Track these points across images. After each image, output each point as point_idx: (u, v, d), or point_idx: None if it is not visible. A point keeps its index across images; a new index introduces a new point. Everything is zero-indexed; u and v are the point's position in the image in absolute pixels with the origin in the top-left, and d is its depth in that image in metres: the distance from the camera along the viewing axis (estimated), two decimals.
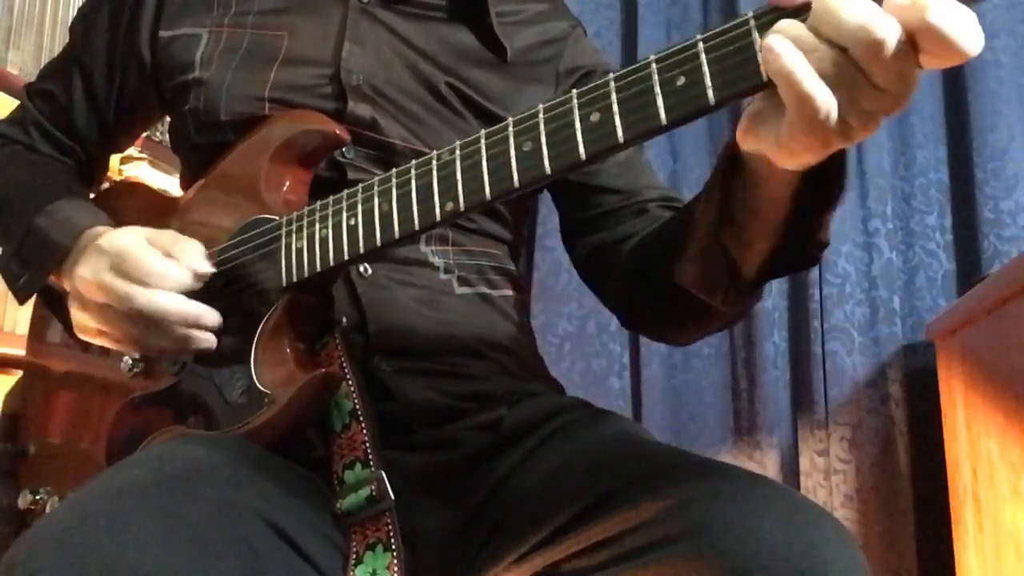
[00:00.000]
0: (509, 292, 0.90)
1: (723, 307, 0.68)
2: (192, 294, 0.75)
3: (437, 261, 0.83)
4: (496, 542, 0.72)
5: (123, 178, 1.06)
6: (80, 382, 0.88)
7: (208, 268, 0.76)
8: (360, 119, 0.82)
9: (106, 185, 1.06)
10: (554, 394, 0.88)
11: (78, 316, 0.79)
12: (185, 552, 0.53)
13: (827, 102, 0.47)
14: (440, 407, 0.78)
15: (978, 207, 1.81)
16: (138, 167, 1.79)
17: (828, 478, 1.82)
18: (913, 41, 0.45)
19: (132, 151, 1.77)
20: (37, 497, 0.87)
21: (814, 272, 1.87)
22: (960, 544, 1.54)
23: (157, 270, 0.73)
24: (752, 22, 0.50)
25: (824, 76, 0.47)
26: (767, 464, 1.88)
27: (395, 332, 0.78)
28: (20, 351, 1.03)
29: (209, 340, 0.75)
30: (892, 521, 1.75)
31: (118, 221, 0.87)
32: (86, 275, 0.76)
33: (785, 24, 0.48)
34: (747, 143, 0.55)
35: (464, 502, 0.75)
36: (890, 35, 0.44)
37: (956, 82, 1.89)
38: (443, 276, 0.83)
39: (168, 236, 0.77)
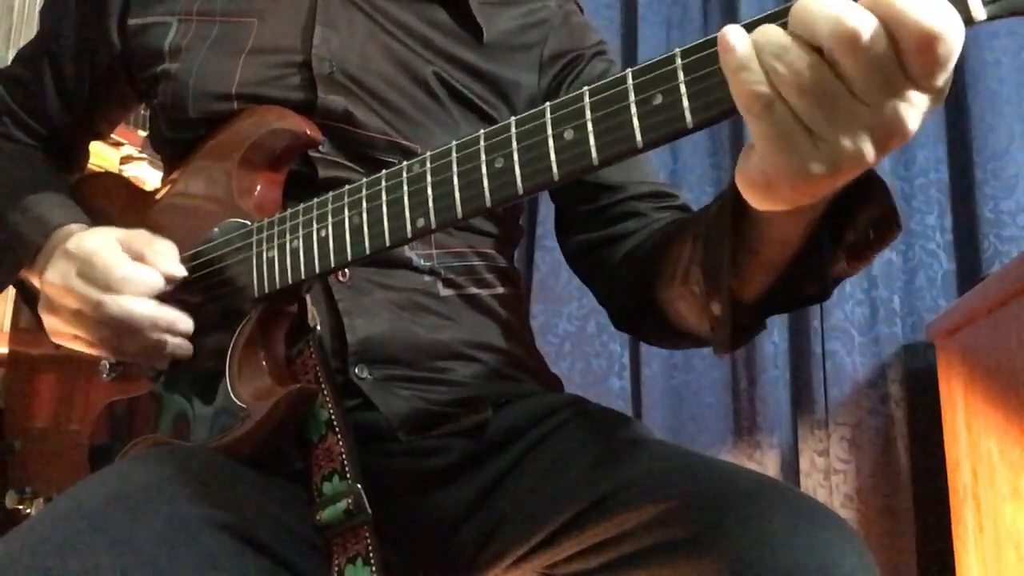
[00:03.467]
0: (501, 290, 0.87)
1: (725, 346, 0.63)
2: (165, 301, 0.73)
3: (421, 264, 0.80)
4: (494, 543, 0.71)
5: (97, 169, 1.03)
6: (63, 378, 0.86)
7: (181, 271, 0.73)
8: (332, 111, 0.78)
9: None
10: (550, 392, 0.87)
11: (49, 320, 0.77)
12: (135, 569, 0.53)
13: (781, 107, 0.43)
14: (423, 414, 0.76)
15: (978, 207, 1.81)
16: (138, 167, 1.79)
17: (828, 478, 1.82)
18: (894, 39, 0.41)
19: (132, 151, 1.77)
20: (23, 496, 0.85)
21: None
22: (960, 544, 1.54)
23: (126, 275, 0.71)
24: None
25: (799, 82, 0.42)
26: (767, 464, 1.88)
27: (374, 339, 0.76)
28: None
29: (184, 347, 0.73)
30: (892, 521, 1.75)
31: (92, 214, 0.85)
32: (55, 280, 0.73)
33: (760, 28, 0.44)
34: (739, 185, 0.50)
35: (453, 507, 0.74)
36: (864, 25, 0.40)
37: (956, 82, 1.89)
38: (427, 279, 0.80)
39: (141, 237, 0.74)
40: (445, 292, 0.81)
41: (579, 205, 0.86)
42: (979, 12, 0.41)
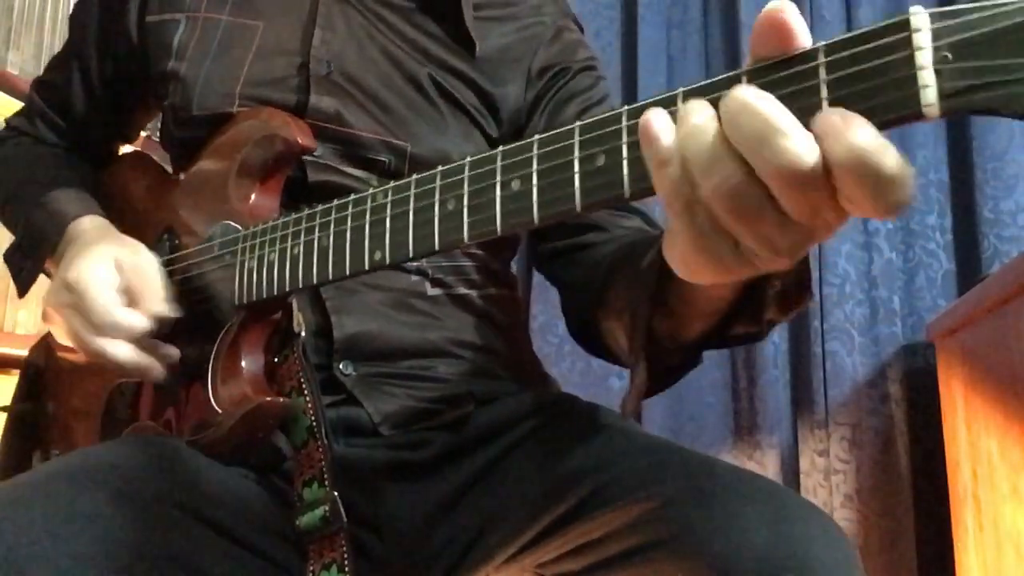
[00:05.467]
0: (492, 291, 0.87)
1: (633, 407, 0.62)
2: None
3: (409, 264, 0.80)
4: (483, 543, 0.71)
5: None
6: None
7: (169, 315, 0.75)
8: (323, 112, 0.80)
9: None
10: (539, 391, 0.87)
11: (52, 329, 0.80)
12: (74, 530, 0.55)
13: (702, 212, 0.40)
14: (407, 411, 0.77)
15: (978, 207, 1.81)
16: None
17: (828, 478, 1.82)
18: (829, 173, 0.37)
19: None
20: (49, 457, 0.88)
21: (814, 272, 1.87)
22: (960, 544, 1.54)
23: (111, 321, 0.72)
24: (680, 100, 0.43)
25: (725, 197, 0.39)
26: (767, 464, 1.88)
27: (361, 336, 0.77)
28: (21, 351, 1.03)
29: (160, 377, 0.75)
30: (892, 521, 1.75)
31: (119, 197, 0.90)
32: (52, 304, 0.76)
33: (690, 127, 0.40)
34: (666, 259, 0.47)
35: (436, 500, 0.75)
36: (807, 160, 0.37)
37: None
38: (414, 278, 0.81)
39: (136, 274, 0.75)
40: (433, 291, 0.82)
41: None
42: (932, 110, 0.37)
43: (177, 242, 0.81)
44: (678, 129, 0.41)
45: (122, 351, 0.73)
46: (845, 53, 0.38)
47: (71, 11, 1.00)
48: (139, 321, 0.73)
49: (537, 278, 2.07)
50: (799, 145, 0.37)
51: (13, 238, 0.91)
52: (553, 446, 0.73)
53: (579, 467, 0.68)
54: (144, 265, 0.76)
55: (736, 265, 0.42)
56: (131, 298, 0.74)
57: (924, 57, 0.36)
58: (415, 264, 0.81)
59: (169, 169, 0.93)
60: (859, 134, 0.36)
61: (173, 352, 0.75)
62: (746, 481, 0.60)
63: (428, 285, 0.82)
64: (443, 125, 0.84)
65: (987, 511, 1.41)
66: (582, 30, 0.98)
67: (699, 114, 0.40)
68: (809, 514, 0.58)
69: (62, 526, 0.55)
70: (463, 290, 0.84)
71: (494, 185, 0.53)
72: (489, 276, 0.87)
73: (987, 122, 1.81)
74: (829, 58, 0.38)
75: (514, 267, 0.97)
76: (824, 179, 0.37)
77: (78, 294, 0.73)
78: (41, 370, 0.95)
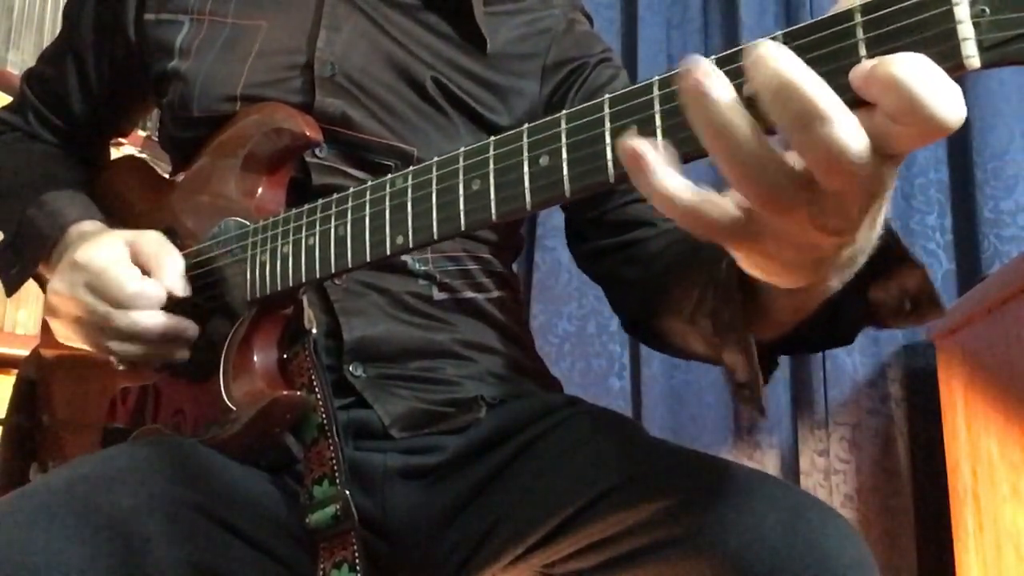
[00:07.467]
0: (496, 293, 0.87)
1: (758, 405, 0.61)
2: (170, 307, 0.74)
3: (417, 267, 0.81)
4: (491, 542, 0.71)
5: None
6: (86, 359, 0.87)
7: (185, 292, 0.74)
8: (328, 114, 0.79)
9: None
10: (547, 393, 0.87)
11: (53, 324, 0.78)
12: (102, 539, 0.55)
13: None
14: (417, 413, 0.77)
15: (978, 207, 1.81)
16: None
17: (828, 478, 1.82)
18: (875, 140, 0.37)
19: (133, 151, 1.78)
20: (46, 470, 0.86)
21: None
22: (960, 544, 1.54)
23: (134, 291, 0.71)
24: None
25: (748, 180, 0.39)
26: (767, 464, 1.88)
27: (370, 339, 0.77)
28: (20, 351, 1.03)
29: (183, 355, 0.74)
30: (892, 521, 1.75)
31: (116, 199, 0.87)
32: (61, 290, 0.74)
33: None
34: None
35: (447, 503, 0.74)
36: (858, 147, 0.36)
37: (956, 82, 1.88)
38: (421, 282, 0.81)
39: (150, 247, 0.75)
40: (439, 296, 0.82)
41: (587, 211, 0.86)
42: (973, 61, 0.37)
43: (179, 242, 0.80)
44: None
45: (156, 319, 0.71)
46: (882, 12, 0.38)
47: (64, 5, 0.98)
48: (160, 292, 0.72)
49: (537, 277, 2.07)
50: (845, 131, 0.36)
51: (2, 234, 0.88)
52: (561, 449, 0.73)
53: (590, 468, 0.68)
54: (154, 240, 0.76)
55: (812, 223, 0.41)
56: (145, 271, 0.73)
57: (961, 11, 0.37)
58: (423, 268, 0.81)
59: (165, 169, 0.93)
60: (899, 58, 0.36)
61: (191, 326, 0.74)
62: (760, 481, 0.60)
63: (435, 289, 0.81)
64: (452, 130, 0.83)
65: (987, 511, 1.41)
66: (591, 21, 0.97)
67: (716, 90, 0.38)
68: (824, 513, 0.58)
69: (90, 536, 0.55)
70: (469, 294, 0.84)
71: (521, 162, 0.53)
72: (494, 279, 0.87)
73: (987, 122, 1.81)
74: (866, 17, 0.39)
75: (514, 268, 0.97)
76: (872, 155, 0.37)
77: (93, 272, 0.72)
78: (34, 383, 0.93)
